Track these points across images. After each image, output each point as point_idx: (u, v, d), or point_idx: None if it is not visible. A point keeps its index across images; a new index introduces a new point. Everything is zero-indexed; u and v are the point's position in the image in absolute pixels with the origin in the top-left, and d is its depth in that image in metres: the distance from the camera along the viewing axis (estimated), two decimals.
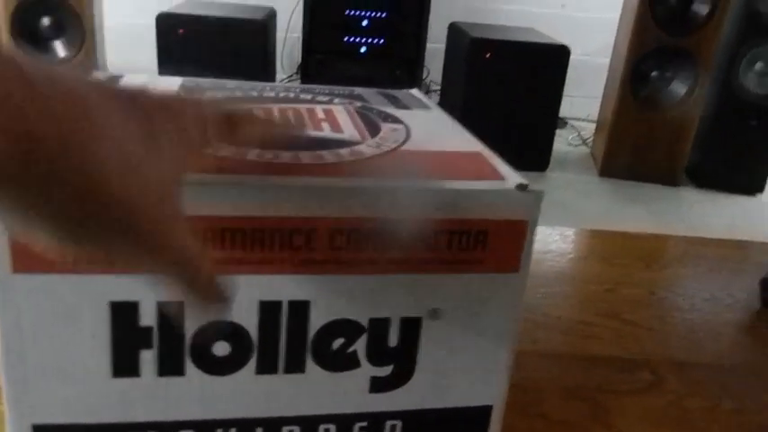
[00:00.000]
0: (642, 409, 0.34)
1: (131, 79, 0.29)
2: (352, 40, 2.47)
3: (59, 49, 2.24)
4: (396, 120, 0.28)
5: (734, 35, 2.33)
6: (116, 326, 0.20)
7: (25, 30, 2.18)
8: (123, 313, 0.20)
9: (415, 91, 0.34)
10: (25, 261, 0.19)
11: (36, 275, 0.19)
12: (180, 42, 2.19)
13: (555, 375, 0.36)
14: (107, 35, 2.42)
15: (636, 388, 0.35)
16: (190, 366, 0.21)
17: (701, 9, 2.30)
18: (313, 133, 0.25)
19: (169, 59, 2.19)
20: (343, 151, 0.23)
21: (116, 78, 0.29)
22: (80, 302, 0.20)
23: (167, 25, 2.18)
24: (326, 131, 0.25)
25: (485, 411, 0.25)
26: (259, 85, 0.31)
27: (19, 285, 0.19)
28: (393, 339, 0.23)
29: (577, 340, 0.39)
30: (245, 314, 0.21)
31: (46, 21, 2.19)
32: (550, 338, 0.39)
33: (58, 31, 2.22)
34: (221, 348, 0.21)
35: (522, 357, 0.25)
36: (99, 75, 0.30)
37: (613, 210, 2.24)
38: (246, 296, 0.21)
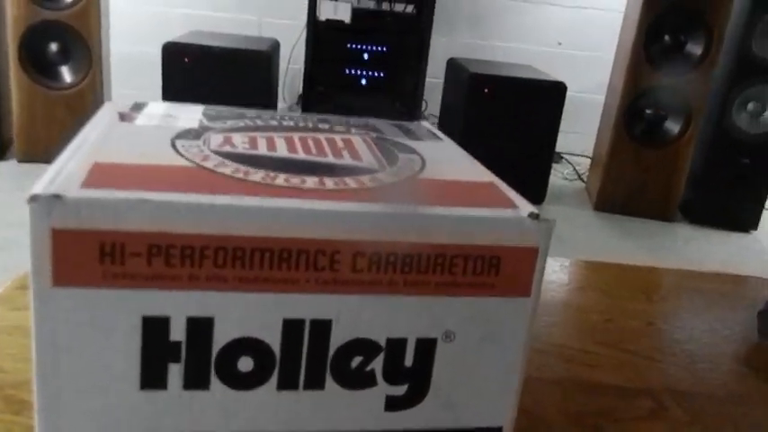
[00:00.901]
0: None
1: (154, 107, 0.31)
2: (353, 72, 2.51)
3: (66, 74, 2.27)
4: (411, 150, 0.29)
5: (727, 75, 2.38)
6: (147, 340, 0.21)
7: (33, 55, 2.21)
8: (155, 328, 0.21)
9: (425, 123, 0.35)
10: (66, 275, 0.20)
11: (75, 289, 0.20)
12: (185, 71, 2.22)
13: (558, 401, 0.36)
14: (113, 62, 2.46)
15: (638, 415, 0.36)
16: (215, 380, 0.22)
17: (695, 49, 2.36)
18: (335, 161, 0.26)
19: (174, 88, 2.22)
20: (364, 178, 0.24)
21: (140, 106, 0.31)
22: (115, 317, 0.21)
23: (173, 54, 2.22)
24: (347, 159, 0.26)
25: None
26: (278, 114, 0.32)
27: (58, 299, 0.20)
28: (409, 359, 0.23)
29: (579, 368, 0.40)
30: (269, 331, 0.22)
31: (53, 47, 2.23)
32: (553, 366, 0.40)
33: (65, 56, 2.25)
34: (245, 364, 0.22)
35: (526, 383, 0.26)
36: (121, 104, 0.31)
37: (609, 244, 2.26)
38: (271, 314, 0.22)
